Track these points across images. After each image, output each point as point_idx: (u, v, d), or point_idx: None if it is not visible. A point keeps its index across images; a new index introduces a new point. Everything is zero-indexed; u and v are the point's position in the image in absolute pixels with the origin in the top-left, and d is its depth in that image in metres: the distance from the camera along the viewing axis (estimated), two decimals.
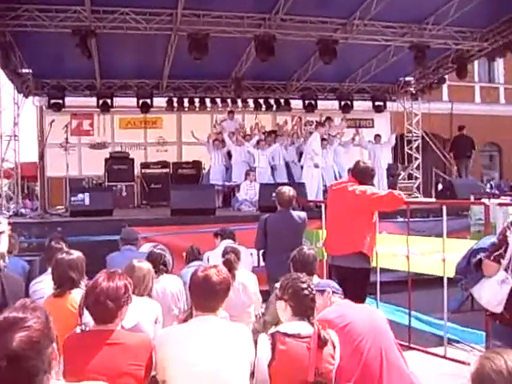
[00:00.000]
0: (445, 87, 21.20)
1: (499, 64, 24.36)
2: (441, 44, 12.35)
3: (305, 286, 3.20)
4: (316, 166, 12.06)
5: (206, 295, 3.03)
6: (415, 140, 17.45)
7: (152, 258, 4.97)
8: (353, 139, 14.72)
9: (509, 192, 13.86)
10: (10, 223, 4.31)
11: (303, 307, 3.15)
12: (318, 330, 3.00)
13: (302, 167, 12.88)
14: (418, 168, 17.40)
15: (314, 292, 3.21)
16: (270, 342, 3.01)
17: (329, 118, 15.45)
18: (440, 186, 11.21)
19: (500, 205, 5.64)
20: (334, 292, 3.75)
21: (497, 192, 16.97)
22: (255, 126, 14.34)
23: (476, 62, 19.93)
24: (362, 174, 5.45)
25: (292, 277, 3.32)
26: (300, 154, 13.75)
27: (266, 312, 4.29)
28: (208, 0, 10.31)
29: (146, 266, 4.14)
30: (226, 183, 13.12)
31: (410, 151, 17.49)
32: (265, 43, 10.98)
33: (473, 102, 25.33)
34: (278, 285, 3.38)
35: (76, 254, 4.04)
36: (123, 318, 3.02)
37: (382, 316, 3.71)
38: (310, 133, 14.31)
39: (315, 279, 4.32)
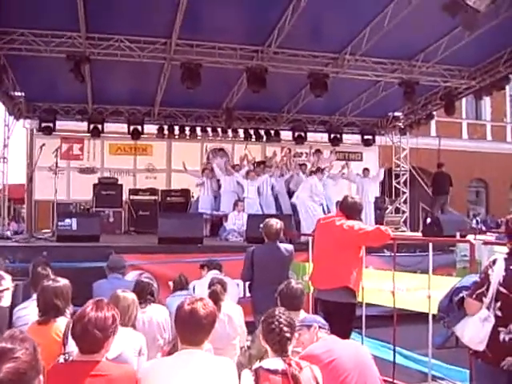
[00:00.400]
0: (433, 123, 21.48)
1: (486, 102, 24.81)
2: (430, 81, 12.61)
3: (272, 320, 3.20)
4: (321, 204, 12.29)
5: (192, 329, 3.02)
6: (403, 174, 17.62)
7: (139, 287, 4.95)
8: (341, 172, 14.79)
9: (495, 229, 13.92)
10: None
11: (272, 343, 3.16)
12: (288, 368, 3.00)
13: (291, 199, 13.00)
14: (405, 202, 17.53)
15: (282, 326, 3.17)
16: (253, 378, 3.00)
17: (318, 151, 15.55)
18: (429, 220, 11.26)
19: (485, 243, 5.69)
20: (320, 327, 3.74)
21: (483, 228, 17.10)
22: (244, 157, 14.37)
23: (464, 99, 20.25)
24: (349, 209, 5.48)
25: (268, 313, 3.32)
26: (288, 186, 13.86)
27: (251, 345, 4.26)
28: (202, 30, 10.45)
29: (131, 296, 4.12)
30: (215, 212, 13.12)
31: (397, 185, 17.67)
32: (257, 75, 11.13)
33: (460, 138, 25.71)
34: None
35: (62, 282, 4.01)
36: (109, 348, 3.00)
37: (367, 352, 3.72)
38: (300, 165, 14.45)
39: (302, 314, 4.32)
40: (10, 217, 18.70)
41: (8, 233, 12.46)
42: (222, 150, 15.86)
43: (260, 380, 2.97)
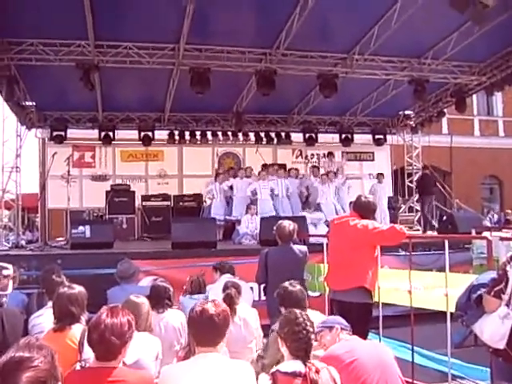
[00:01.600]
0: (444, 120, 21.34)
1: (498, 97, 24.60)
2: (440, 78, 12.54)
3: (299, 328, 3.17)
4: None
5: (206, 330, 3.01)
6: (415, 173, 17.49)
7: (156, 291, 4.94)
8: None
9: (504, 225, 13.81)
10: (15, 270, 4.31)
11: (297, 349, 3.13)
12: (307, 371, 2.97)
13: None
14: (418, 201, 17.39)
15: (309, 333, 3.16)
16: (271, 382, 2.97)
17: (330, 154, 15.53)
18: (444, 218, 11.25)
19: (502, 239, 5.62)
20: (342, 329, 3.72)
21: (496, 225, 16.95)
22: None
23: (475, 96, 20.09)
24: (363, 209, 5.44)
25: (289, 316, 3.29)
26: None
27: (264, 354, 4.21)
28: (210, 35, 10.45)
29: (144, 300, 4.11)
30: (227, 217, 13.12)
31: (410, 184, 17.53)
32: (266, 77, 11.13)
33: (472, 135, 25.49)
34: (276, 325, 3.35)
35: (78, 289, 4.02)
36: (125, 354, 2.98)
37: (389, 352, 3.67)
38: (312, 167, 14.51)
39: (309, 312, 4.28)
40: (24, 226, 18.80)
41: (22, 242, 12.53)
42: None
43: (278, 383, 2.95)
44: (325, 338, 3.61)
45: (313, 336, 3.18)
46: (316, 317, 4.05)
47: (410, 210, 17.54)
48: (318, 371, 2.98)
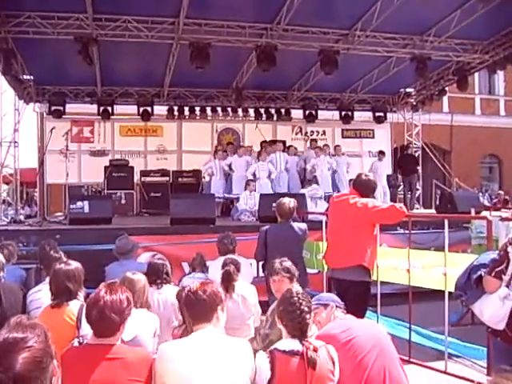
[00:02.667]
0: (445, 99, 21.21)
1: (499, 76, 24.43)
2: (442, 56, 12.40)
3: (293, 307, 3.16)
4: None
5: (194, 305, 3.01)
6: (415, 151, 17.42)
7: (154, 268, 4.92)
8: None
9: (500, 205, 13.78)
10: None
11: (293, 328, 3.12)
12: (305, 350, 2.96)
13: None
14: (418, 179, 17.37)
15: (303, 313, 3.14)
16: (268, 359, 2.97)
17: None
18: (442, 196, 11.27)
19: (502, 219, 5.60)
20: (337, 306, 3.70)
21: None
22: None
23: (476, 74, 19.96)
24: (363, 187, 5.42)
25: (285, 295, 3.29)
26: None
27: (270, 332, 4.18)
28: (210, 9, 10.31)
29: (142, 277, 4.10)
30: (226, 195, 13.11)
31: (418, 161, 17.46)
32: (266, 53, 11.00)
33: (473, 113, 25.38)
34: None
35: (74, 265, 3.99)
36: (123, 331, 2.98)
37: (384, 331, 3.67)
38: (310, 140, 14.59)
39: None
40: (22, 201, 18.79)
41: (21, 217, 12.52)
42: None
43: (276, 361, 2.94)
44: (319, 316, 3.59)
45: (308, 315, 3.15)
46: None
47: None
48: (315, 350, 2.97)
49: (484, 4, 8.97)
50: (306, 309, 3.15)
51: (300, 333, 3.09)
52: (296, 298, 3.19)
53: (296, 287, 4.51)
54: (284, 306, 3.19)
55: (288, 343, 3.06)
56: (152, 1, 9.79)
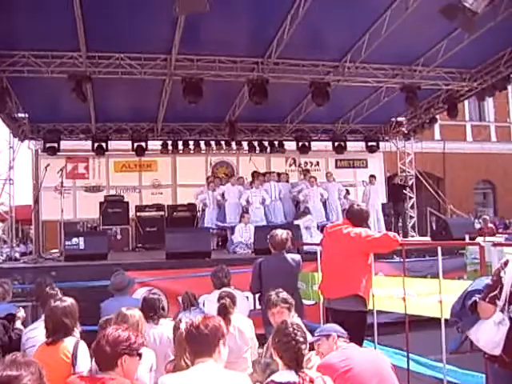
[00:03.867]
0: (436, 126, 21.43)
1: (489, 103, 24.76)
2: (431, 85, 12.61)
3: (288, 338, 3.17)
4: None
5: (199, 339, 3.01)
6: (409, 179, 17.53)
7: (149, 303, 4.91)
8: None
9: (503, 230, 13.83)
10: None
11: (289, 359, 3.12)
12: (301, 382, 2.96)
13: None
14: (412, 207, 17.44)
15: (299, 343, 3.15)
16: None
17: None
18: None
19: (495, 245, 5.62)
20: (339, 336, 3.71)
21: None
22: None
23: (466, 102, 20.18)
24: (356, 217, 5.45)
25: (280, 326, 3.29)
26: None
27: (271, 362, 4.18)
28: (201, 45, 10.47)
29: (137, 313, 4.10)
30: (220, 224, 13.11)
31: (405, 190, 17.56)
32: (258, 86, 11.14)
33: (465, 140, 25.63)
34: None
35: (69, 301, 4.00)
36: (129, 371, 2.98)
37: (386, 360, 3.66)
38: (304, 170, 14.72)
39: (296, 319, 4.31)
40: (18, 238, 18.71)
41: (16, 254, 12.48)
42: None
43: None
44: (322, 347, 3.60)
45: (304, 346, 3.16)
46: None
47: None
48: (312, 381, 2.97)
49: (468, 33, 9.12)
50: (301, 339, 3.16)
51: (296, 364, 3.09)
52: (291, 329, 3.19)
53: (295, 317, 4.53)
54: (279, 338, 3.20)
55: (284, 375, 3.06)
56: (144, 38, 9.92)
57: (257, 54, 11.09)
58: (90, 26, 9.18)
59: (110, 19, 9.16)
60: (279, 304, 4.48)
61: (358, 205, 5.69)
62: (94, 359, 2.97)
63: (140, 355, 3.02)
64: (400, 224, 15.68)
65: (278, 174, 14.60)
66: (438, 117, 15.89)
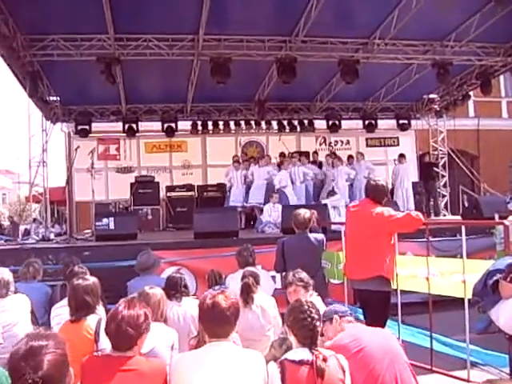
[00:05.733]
0: (470, 103, 20.96)
1: None
2: (463, 60, 12.32)
3: (304, 315, 3.19)
4: None
5: (217, 322, 3.04)
6: (441, 157, 17.26)
7: (172, 282, 4.99)
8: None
9: None
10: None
11: (303, 337, 3.15)
12: (314, 359, 2.99)
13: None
14: (444, 186, 17.20)
15: (314, 320, 3.18)
16: (279, 370, 3.00)
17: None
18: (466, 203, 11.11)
19: None
20: (341, 316, 3.71)
21: None
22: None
23: (502, 77, 19.69)
24: (373, 192, 5.37)
25: (294, 304, 3.32)
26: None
27: (286, 337, 4.23)
28: (228, 24, 10.47)
29: (159, 291, 4.16)
30: (245, 204, 13.15)
31: (436, 169, 17.30)
32: (286, 65, 11.08)
33: (500, 117, 24.97)
34: None
35: (92, 280, 4.10)
36: (142, 345, 3.06)
37: (394, 338, 3.66)
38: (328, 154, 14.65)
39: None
40: (53, 219, 19.14)
41: (51, 235, 12.76)
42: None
43: (286, 371, 2.97)
44: (329, 331, 3.61)
45: (318, 323, 3.19)
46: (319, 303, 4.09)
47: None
48: (325, 359, 2.99)
49: (502, 7, 8.89)
50: (316, 316, 3.19)
51: (310, 341, 3.11)
52: (306, 307, 3.22)
53: (313, 296, 4.55)
54: (294, 315, 3.23)
55: (298, 353, 3.09)
56: (171, 19, 9.96)
57: (284, 33, 11.01)
58: (116, 8, 9.27)
59: (137, 1, 9.22)
60: (295, 283, 4.53)
61: (373, 180, 5.59)
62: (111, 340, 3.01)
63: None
64: (432, 203, 15.47)
65: (300, 155, 14.48)
66: (471, 93, 15.55)
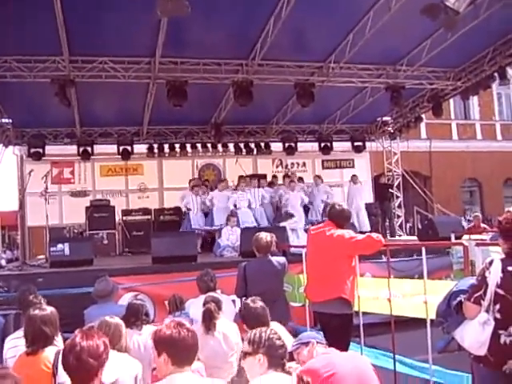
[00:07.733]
0: (422, 125, 21.54)
1: (474, 101, 24.88)
2: (415, 84, 12.65)
3: (277, 336, 3.15)
4: None
5: (183, 349, 2.95)
6: (396, 178, 17.58)
7: (133, 309, 4.88)
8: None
9: (488, 228, 13.78)
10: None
11: (279, 358, 3.07)
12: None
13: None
14: (399, 206, 17.48)
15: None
16: None
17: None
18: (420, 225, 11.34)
19: (478, 245, 5.62)
20: (318, 342, 3.67)
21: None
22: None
23: (451, 100, 20.30)
24: (337, 217, 5.42)
25: (263, 330, 3.23)
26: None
27: (237, 380, 4.15)
28: (185, 47, 10.43)
29: (118, 321, 4.04)
30: (208, 228, 13.02)
31: (391, 190, 17.59)
32: (243, 88, 11.11)
33: (450, 138, 25.73)
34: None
35: (49, 309, 3.92)
36: (101, 377, 2.91)
37: (368, 363, 3.63)
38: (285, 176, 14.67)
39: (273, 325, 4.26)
40: (4, 244, 18.58)
41: (2, 261, 12.37)
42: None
43: None
44: (302, 355, 3.56)
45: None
46: (280, 330, 4.00)
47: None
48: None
49: (451, 33, 9.17)
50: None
51: (282, 362, 3.06)
52: (274, 331, 3.18)
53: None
54: (270, 342, 3.12)
55: (271, 378, 3.01)
56: (127, 41, 9.86)
57: (241, 56, 11.06)
58: (72, 30, 9.10)
59: (92, 22, 9.09)
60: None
61: (338, 205, 5.64)
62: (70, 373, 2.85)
63: None
64: (387, 223, 15.71)
65: (259, 179, 14.47)
66: (423, 116, 15.95)
